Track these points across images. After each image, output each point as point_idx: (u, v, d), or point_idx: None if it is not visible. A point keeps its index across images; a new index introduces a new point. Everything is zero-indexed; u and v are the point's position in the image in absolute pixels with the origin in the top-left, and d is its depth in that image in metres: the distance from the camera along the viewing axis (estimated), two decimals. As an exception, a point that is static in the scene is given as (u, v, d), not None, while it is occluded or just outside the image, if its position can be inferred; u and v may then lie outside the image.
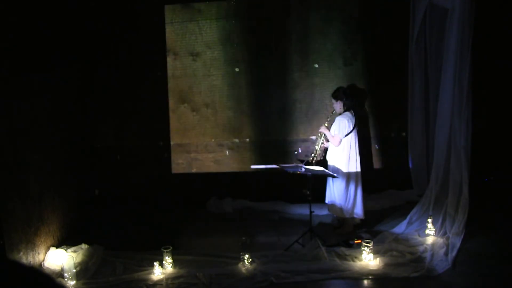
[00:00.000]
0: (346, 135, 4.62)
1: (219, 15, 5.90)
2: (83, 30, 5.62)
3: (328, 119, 4.83)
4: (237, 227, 5.19)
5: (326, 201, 4.90)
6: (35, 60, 4.42)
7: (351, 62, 5.87)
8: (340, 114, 4.71)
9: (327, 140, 4.78)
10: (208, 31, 5.93)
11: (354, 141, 4.67)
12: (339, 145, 4.65)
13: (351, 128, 4.63)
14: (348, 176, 4.68)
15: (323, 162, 4.83)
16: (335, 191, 4.75)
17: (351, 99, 4.73)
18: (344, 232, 4.77)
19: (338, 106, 4.72)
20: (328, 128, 4.76)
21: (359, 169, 4.73)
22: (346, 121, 4.61)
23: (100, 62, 5.91)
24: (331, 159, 4.78)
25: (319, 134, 4.85)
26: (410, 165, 5.70)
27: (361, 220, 4.88)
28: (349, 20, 5.76)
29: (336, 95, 4.73)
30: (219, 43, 5.95)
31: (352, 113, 4.71)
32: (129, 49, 5.89)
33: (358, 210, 4.75)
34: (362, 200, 4.75)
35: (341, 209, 4.73)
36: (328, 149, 4.83)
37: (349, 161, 4.66)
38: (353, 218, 4.81)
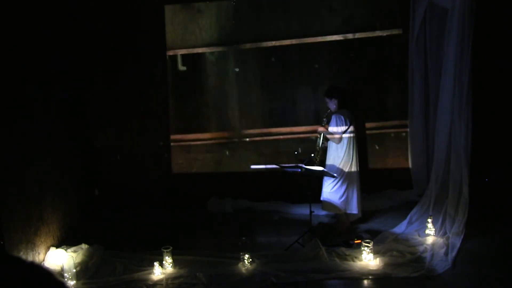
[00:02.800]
0: (344, 132, 4.63)
1: (219, 15, 5.91)
2: (83, 30, 5.62)
3: (325, 119, 4.83)
4: (237, 227, 5.19)
5: (321, 198, 4.90)
6: (34, 60, 4.42)
7: (351, 62, 5.87)
8: (335, 112, 4.72)
9: (327, 140, 4.79)
10: (208, 31, 5.94)
11: (352, 137, 4.68)
12: (341, 140, 4.65)
13: (348, 124, 4.64)
14: (343, 172, 4.68)
15: (323, 162, 4.83)
16: (328, 187, 4.75)
17: (345, 96, 4.74)
18: (339, 229, 4.77)
19: (332, 104, 4.73)
20: (326, 127, 4.77)
21: (356, 165, 4.72)
22: (343, 118, 4.63)
23: (100, 62, 5.91)
24: (330, 158, 4.78)
25: (318, 135, 4.85)
26: (410, 165, 5.70)
27: (360, 222, 4.89)
28: (349, 21, 5.76)
29: (329, 94, 4.75)
30: (219, 43, 5.95)
31: (347, 110, 4.72)
32: (129, 49, 5.88)
33: (353, 207, 4.74)
34: (357, 197, 4.74)
35: (334, 205, 4.73)
36: (328, 148, 4.84)
37: (345, 157, 4.67)
38: (347, 214, 4.80)
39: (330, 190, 4.75)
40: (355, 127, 4.77)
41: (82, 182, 5.58)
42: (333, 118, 4.69)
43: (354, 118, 4.78)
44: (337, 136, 4.64)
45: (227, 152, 6.13)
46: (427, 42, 5.20)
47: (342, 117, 4.64)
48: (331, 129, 4.69)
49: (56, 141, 4.82)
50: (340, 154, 4.68)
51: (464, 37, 4.04)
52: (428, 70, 5.28)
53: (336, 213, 4.84)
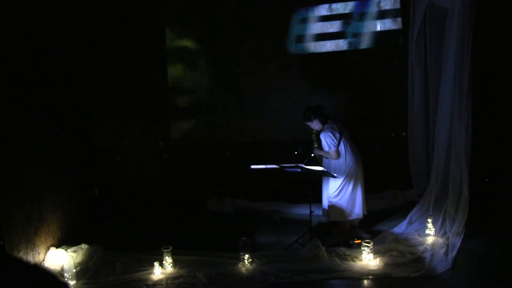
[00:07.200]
0: (338, 144, 4.57)
1: (220, 16, 5.90)
2: (84, 30, 5.62)
3: (315, 143, 4.77)
4: (237, 227, 5.19)
5: (323, 205, 4.87)
6: (34, 60, 4.42)
7: (351, 62, 5.87)
8: (321, 130, 4.63)
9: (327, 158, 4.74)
10: (208, 32, 5.93)
11: (347, 145, 4.63)
12: (339, 155, 4.58)
13: (339, 135, 4.57)
14: (347, 176, 4.65)
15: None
16: (331, 193, 4.70)
17: (323, 111, 4.65)
18: (339, 231, 4.75)
19: (315, 124, 4.65)
20: (319, 146, 4.72)
21: (359, 166, 4.68)
22: (330, 133, 4.54)
23: (101, 62, 5.91)
24: (331, 166, 4.72)
25: (316, 157, 4.80)
26: (410, 165, 5.70)
27: (360, 222, 4.88)
28: (349, 20, 5.76)
29: (308, 117, 4.63)
30: (219, 44, 5.95)
31: (332, 122, 4.64)
32: (130, 49, 5.89)
33: (358, 211, 4.72)
34: (361, 199, 4.71)
35: (341, 212, 4.68)
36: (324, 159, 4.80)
37: (346, 161, 4.62)
38: (351, 220, 4.79)
39: (335, 197, 4.69)
40: (348, 132, 4.72)
41: (82, 182, 5.58)
42: (322, 138, 4.60)
43: (342, 124, 4.71)
44: (333, 153, 4.54)
45: (227, 152, 6.12)
46: (427, 42, 5.19)
47: (330, 133, 4.53)
48: (325, 147, 4.60)
49: (56, 141, 4.82)
50: (341, 161, 4.64)
51: (464, 37, 4.04)
52: (428, 70, 5.28)
53: (340, 220, 4.80)
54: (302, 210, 5.37)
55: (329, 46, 5.84)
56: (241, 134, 6.12)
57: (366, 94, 5.91)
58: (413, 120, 5.58)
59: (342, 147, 4.59)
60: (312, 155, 4.77)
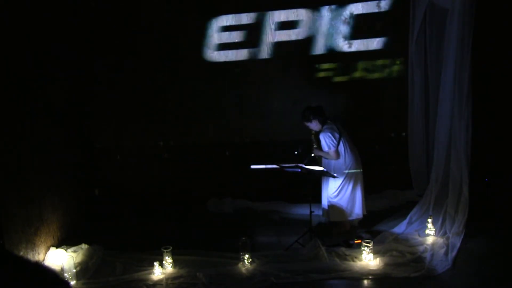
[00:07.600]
0: (338, 145, 4.56)
1: (219, 16, 5.89)
2: (84, 30, 5.62)
3: (314, 143, 4.77)
4: (237, 227, 5.19)
5: (323, 205, 4.87)
6: (34, 60, 4.42)
7: (351, 62, 5.87)
8: (321, 130, 4.62)
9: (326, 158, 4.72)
10: (209, 31, 5.92)
11: (347, 145, 4.62)
12: (339, 155, 4.57)
13: (338, 135, 4.56)
14: (347, 176, 4.64)
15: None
16: (331, 193, 4.69)
17: (322, 111, 4.64)
18: (339, 231, 4.75)
19: (314, 125, 4.65)
20: (318, 146, 4.71)
21: (358, 166, 4.68)
22: (330, 133, 4.53)
23: (101, 63, 5.90)
24: (331, 166, 4.71)
25: (316, 157, 4.79)
26: (410, 165, 5.70)
27: (360, 222, 4.87)
28: (348, 20, 5.76)
29: (307, 117, 4.63)
30: (219, 43, 5.94)
31: (331, 122, 4.63)
32: (130, 49, 5.88)
33: (358, 210, 4.72)
34: (361, 199, 4.71)
35: (340, 212, 4.68)
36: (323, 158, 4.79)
37: (346, 162, 4.61)
38: (351, 220, 4.78)
39: (335, 197, 4.68)
40: (347, 132, 4.71)
41: (82, 182, 5.58)
42: (321, 138, 4.59)
43: (341, 124, 4.70)
44: (332, 153, 4.53)
45: (227, 152, 6.12)
46: (427, 42, 5.19)
47: (329, 134, 4.52)
48: (324, 148, 4.59)
49: (56, 141, 4.82)
50: (340, 161, 4.64)
51: (464, 37, 4.04)
52: (428, 70, 5.28)
53: (340, 220, 4.79)
54: (302, 210, 5.37)
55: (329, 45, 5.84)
56: (241, 134, 6.12)
57: (366, 94, 5.91)
58: (413, 120, 5.58)
59: (341, 148, 4.59)
60: (312, 155, 4.77)
